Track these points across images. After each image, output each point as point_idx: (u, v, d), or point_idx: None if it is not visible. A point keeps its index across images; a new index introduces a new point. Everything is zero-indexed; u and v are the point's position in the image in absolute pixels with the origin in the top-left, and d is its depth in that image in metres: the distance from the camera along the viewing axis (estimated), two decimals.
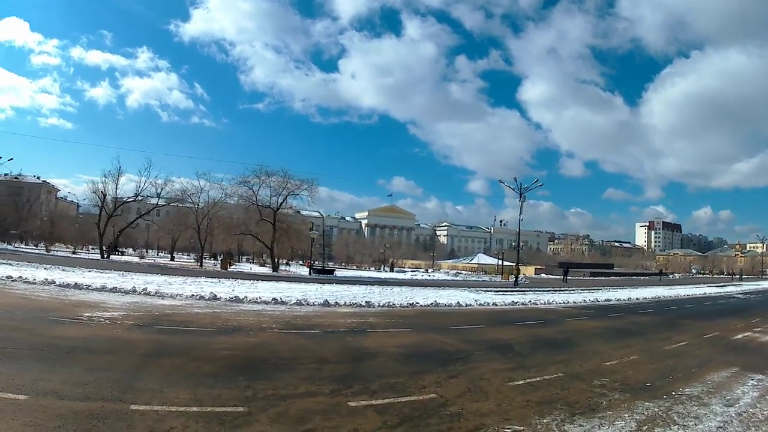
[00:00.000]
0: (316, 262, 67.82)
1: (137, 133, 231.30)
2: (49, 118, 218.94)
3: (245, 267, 66.94)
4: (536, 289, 40.44)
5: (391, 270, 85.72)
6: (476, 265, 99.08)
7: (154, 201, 69.49)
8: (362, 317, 17.51)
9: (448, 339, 13.43)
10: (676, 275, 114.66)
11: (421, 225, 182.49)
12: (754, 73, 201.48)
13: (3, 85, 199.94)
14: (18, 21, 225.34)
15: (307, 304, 20.19)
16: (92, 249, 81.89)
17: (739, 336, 17.00)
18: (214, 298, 20.41)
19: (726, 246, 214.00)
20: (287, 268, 68.76)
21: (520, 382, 8.97)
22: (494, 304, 25.21)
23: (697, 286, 58.42)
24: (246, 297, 20.87)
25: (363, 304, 21.46)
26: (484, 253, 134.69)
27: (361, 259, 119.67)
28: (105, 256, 60.92)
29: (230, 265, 58.78)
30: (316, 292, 24.97)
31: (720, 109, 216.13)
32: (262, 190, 59.61)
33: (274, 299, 20.73)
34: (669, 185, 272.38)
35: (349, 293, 26.04)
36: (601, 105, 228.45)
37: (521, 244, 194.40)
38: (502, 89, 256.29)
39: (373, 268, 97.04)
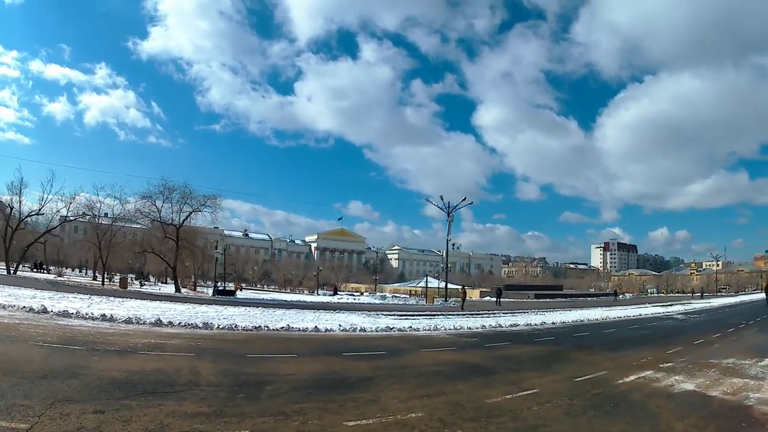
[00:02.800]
0: (219, 284, 63.42)
1: (94, 151, 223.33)
2: (6, 132, 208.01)
3: (155, 288, 62.59)
4: (453, 313, 37.31)
5: (334, 293, 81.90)
6: (420, 289, 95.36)
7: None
8: (164, 338, 16.20)
9: (209, 368, 11.57)
10: (627, 295, 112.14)
11: (372, 248, 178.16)
12: (706, 97, 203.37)
13: None
14: None
15: (137, 323, 19.22)
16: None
17: (631, 378, 12.37)
18: (44, 311, 20.14)
19: (682, 265, 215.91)
20: (194, 290, 63.87)
21: None
22: (363, 329, 21.90)
23: (640, 306, 54.75)
24: (78, 312, 20.38)
25: (200, 325, 19.69)
26: (434, 277, 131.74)
27: (303, 282, 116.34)
28: (12, 272, 57.46)
29: (135, 285, 58.40)
30: (173, 313, 23.51)
31: (674, 133, 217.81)
32: (165, 206, 56.21)
33: (102, 315, 19.96)
34: (625, 207, 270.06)
35: (210, 315, 23.76)
36: (555, 129, 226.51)
37: (476, 265, 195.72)
38: (458, 113, 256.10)
39: (307, 291, 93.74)
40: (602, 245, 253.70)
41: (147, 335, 16.45)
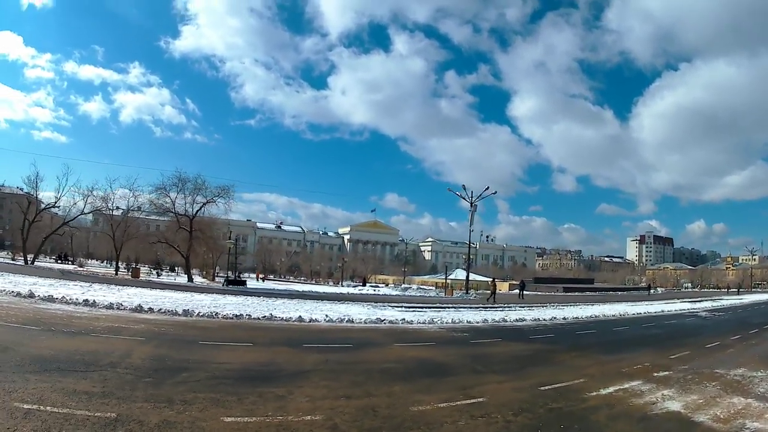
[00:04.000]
0: (229, 273, 63.38)
1: (131, 147, 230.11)
2: (43, 132, 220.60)
3: (171, 278, 62.60)
4: (467, 305, 36.21)
5: (363, 285, 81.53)
6: (449, 282, 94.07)
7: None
8: (131, 323, 16.07)
9: (145, 352, 11.38)
10: (660, 290, 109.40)
11: (405, 241, 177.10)
12: (742, 85, 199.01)
13: None
14: (12, 35, 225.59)
15: (118, 309, 19.14)
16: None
17: (609, 390, 10.46)
18: (30, 296, 20.45)
19: (718, 259, 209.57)
20: (213, 279, 64.24)
21: None
22: (350, 321, 20.98)
23: (668, 302, 52.41)
24: (63, 298, 20.38)
25: (180, 312, 19.43)
26: (465, 269, 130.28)
27: (333, 274, 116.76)
28: (30, 262, 60.64)
29: (153, 275, 59.40)
30: (165, 300, 23.16)
31: (709, 122, 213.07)
32: (179, 198, 56.62)
33: (86, 301, 20.06)
34: (661, 199, 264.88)
35: (202, 304, 23.37)
36: (590, 119, 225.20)
37: (510, 258, 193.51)
38: (492, 104, 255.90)
39: (332, 283, 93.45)
40: (638, 238, 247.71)
41: (117, 320, 16.36)
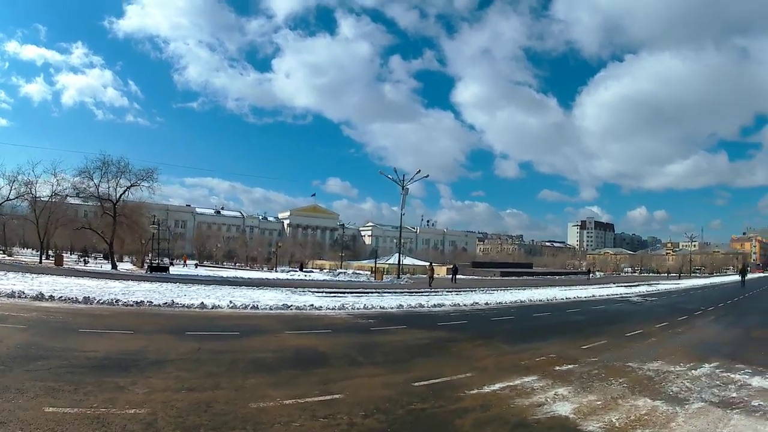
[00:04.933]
0: (155, 260, 61.30)
1: (72, 131, 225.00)
2: None
3: (97, 265, 60.89)
4: (391, 290, 35.39)
5: (300, 270, 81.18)
6: (387, 266, 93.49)
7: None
8: (17, 311, 15.78)
9: (14, 340, 11.01)
10: (599, 274, 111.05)
11: (346, 225, 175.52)
12: (687, 77, 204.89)
13: None
14: None
15: (18, 297, 18.92)
16: None
17: (494, 387, 8.86)
18: None
19: (659, 245, 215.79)
20: (141, 266, 62.62)
21: None
22: (255, 307, 20.09)
23: (604, 286, 52.68)
24: None
25: (79, 299, 19.03)
26: (406, 254, 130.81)
27: (271, 259, 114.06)
28: None
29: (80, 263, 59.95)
30: (77, 288, 22.98)
31: (654, 112, 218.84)
32: (103, 183, 54.90)
33: None
34: (603, 186, 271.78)
35: (111, 291, 22.69)
36: (534, 107, 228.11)
37: (450, 242, 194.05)
38: (436, 90, 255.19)
39: (266, 268, 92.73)
40: (579, 223, 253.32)
41: (11, 308, 16.14)
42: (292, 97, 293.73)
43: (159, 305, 19.07)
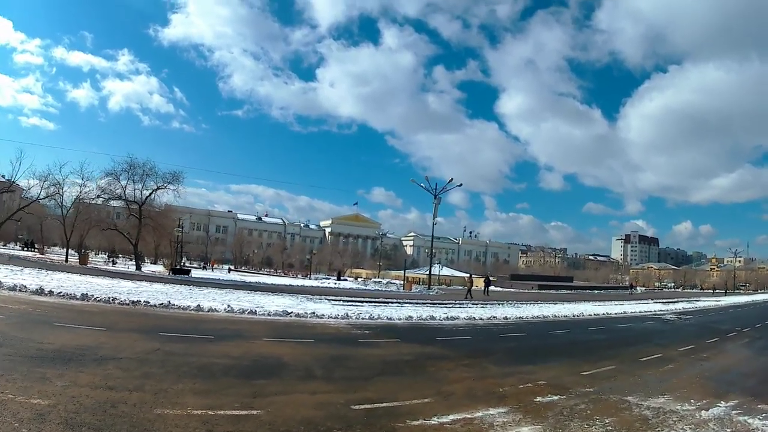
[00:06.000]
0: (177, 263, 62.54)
1: (119, 136, 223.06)
2: (31, 118, 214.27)
3: (126, 266, 61.95)
4: (415, 300, 34.81)
5: (338, 278, 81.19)
6: (412, 276, 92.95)
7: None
8: (8, 303, 16.21)
9: None
10: (640, 289, 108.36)
11: (388, 235, 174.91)
12: (732, 88, 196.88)
13: None
14: (2, 19, 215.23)
15: (19, 291, 19.36)
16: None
17: (446, 419, 7.51)
18: None
19: (704, 260, 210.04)
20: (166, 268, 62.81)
21: None
22: (252, 312, 19.72)
23: (641, 302, 50.09)
24: None
25: (78, 296, 19.27)
26: (447, 265, 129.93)
27: (310, 267, 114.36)
28: None
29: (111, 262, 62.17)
30: (86, 286, 23.27)
31: (698, 124, 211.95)
32: (129, 185, 55.57)
33: None
34: (648, 200, 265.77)
35: (119, 290, 22.82)
36: (579, 118, 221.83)
37: (492, 254, 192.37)
38: (480, 101, 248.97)
39: (300, 276, 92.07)
40: (623, 237, 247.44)
41: (4, 301, 16.50)
42: (337, 106, 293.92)
43: (154, 306, 19.03)
